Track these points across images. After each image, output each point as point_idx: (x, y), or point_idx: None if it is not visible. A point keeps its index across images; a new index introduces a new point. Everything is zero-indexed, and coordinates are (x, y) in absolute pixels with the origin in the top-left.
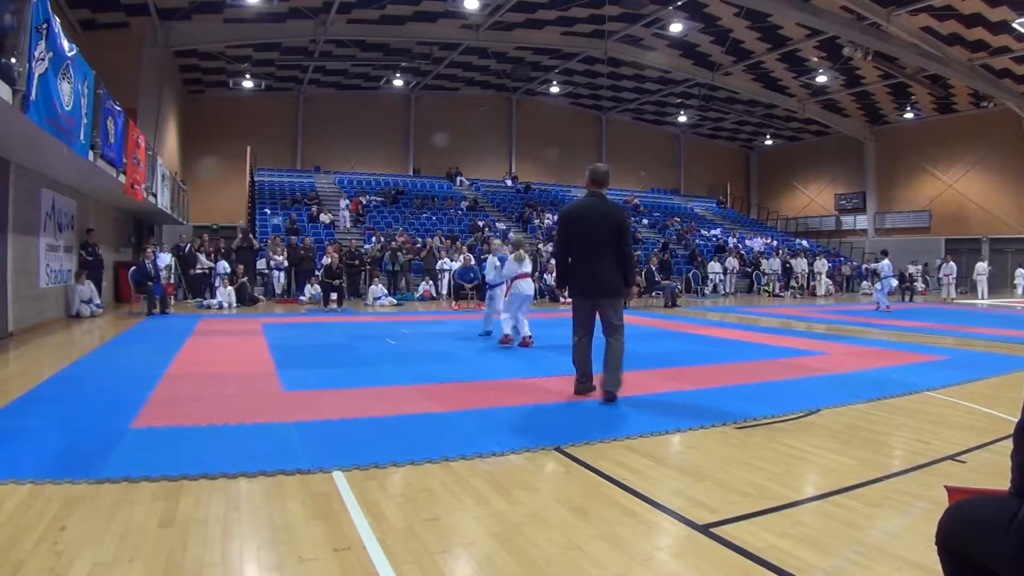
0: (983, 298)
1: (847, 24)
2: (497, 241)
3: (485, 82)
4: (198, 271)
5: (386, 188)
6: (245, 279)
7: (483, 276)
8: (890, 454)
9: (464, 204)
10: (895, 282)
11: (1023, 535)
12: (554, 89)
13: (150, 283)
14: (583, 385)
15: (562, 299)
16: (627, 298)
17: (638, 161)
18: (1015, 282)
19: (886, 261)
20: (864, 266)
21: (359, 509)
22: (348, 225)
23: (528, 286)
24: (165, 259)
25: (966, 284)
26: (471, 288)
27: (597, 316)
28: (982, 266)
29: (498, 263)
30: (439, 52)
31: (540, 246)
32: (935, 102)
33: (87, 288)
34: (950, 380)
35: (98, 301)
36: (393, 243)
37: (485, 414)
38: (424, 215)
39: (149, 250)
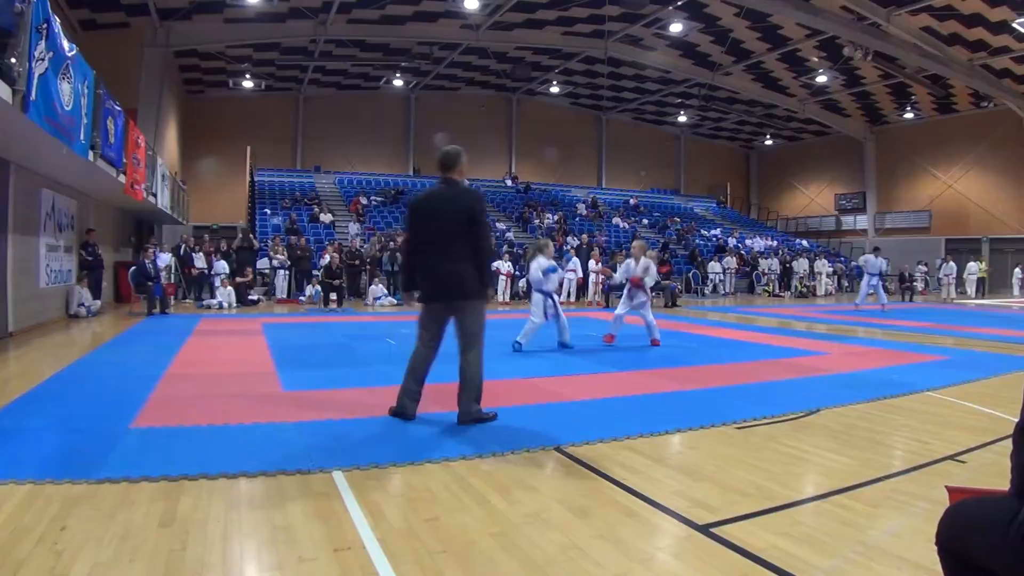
0: (973, 297)
1: (847, 24)
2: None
3: (485, 82)
4: (194, 272)
5: (386, 188)
6: (248, 279)
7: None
8: (890, 454)
9: None
10: (875, 281)
11: (1023, 535)
12: (554, 89)
13: (150, 283)
14: (406, 404)
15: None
16: (487, 300)
17: (638, 161)
18: (1012, 281)
19: (865, 257)
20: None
21: (359, 509)
22: (358, 242)
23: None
24: (165, 259)
25: (963, 284)
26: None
27: (449, 325)
28: (973, 266)
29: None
30: (439, 52)
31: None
32: (935, 102)
33: (85, 291)
34: (950, 380)
35: (90, 303)
36: (392, 243)
37: None
38: None
39: (149, 250)
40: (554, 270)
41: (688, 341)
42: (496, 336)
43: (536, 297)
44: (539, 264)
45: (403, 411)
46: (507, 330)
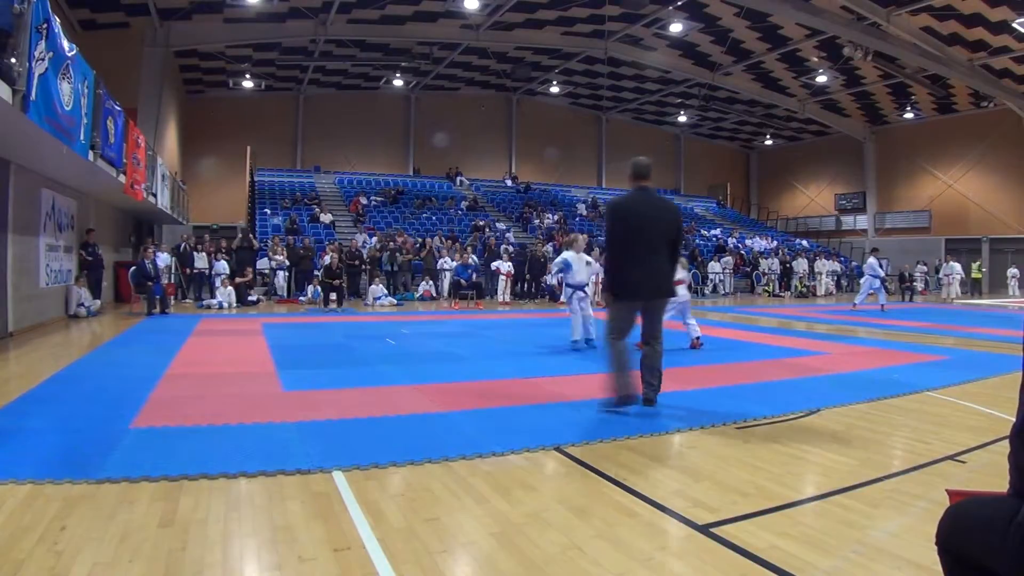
0: (955, 297)
1: (847, 24)
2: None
3: (485, 82)
4: (194, 271)
5: (386, 188)
6: (248, 278)
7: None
8: (890, 454)
9: (464, 204)
10: (877, 283)
11: (1022, 535)
12: (554, 89)
13: (150, 283)
14: (628, 395)
15: (562, 299)
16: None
17: None
18: (1008, 282)
19: (872, 259)
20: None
21: (359, 509)
22: (358, 241)
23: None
24: (165, 259)
25: (965, 284)
26: (468, 285)
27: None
28: (956, 266)
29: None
30: (439, 52)
31: (539, 246)
32: (935, 102)
33: (84, 291)
34: (950, 380)
35: (89, 303)
36: (392, 243)
37: (485, 414)
38: (424, 215)
39: (149, 250)
40: None
41: (688, 341)
42: (496, 335)
43: None
44: None
45: (636, 399)
46: (507, 330)
